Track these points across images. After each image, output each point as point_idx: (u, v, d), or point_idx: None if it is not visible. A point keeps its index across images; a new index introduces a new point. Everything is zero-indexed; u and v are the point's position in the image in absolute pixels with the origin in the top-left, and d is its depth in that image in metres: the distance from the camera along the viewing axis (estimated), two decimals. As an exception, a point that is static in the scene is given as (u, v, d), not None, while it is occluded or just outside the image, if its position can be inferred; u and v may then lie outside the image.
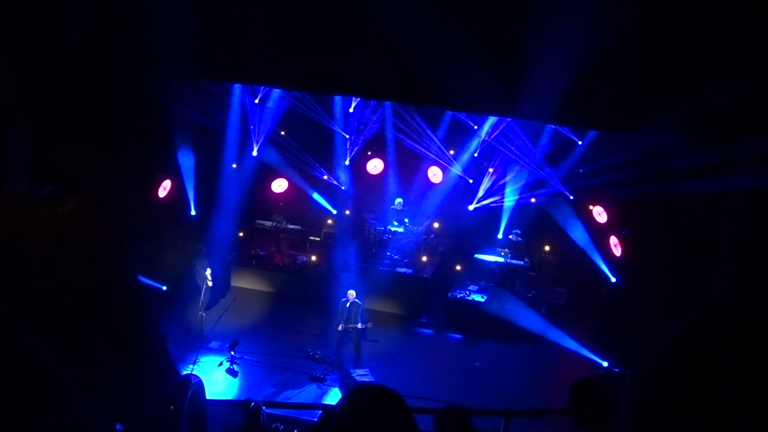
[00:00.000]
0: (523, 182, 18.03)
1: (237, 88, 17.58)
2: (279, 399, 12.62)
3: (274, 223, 18.48)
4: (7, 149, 1.69)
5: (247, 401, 6.59)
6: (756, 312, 1.01)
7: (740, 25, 8.94)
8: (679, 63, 9.41)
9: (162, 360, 1.79)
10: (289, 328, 15.52)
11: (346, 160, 19.60)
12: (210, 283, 15.35)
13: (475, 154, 18.77)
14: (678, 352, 1.02)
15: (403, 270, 17.47)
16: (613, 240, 16.15)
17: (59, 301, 1.47)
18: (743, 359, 0.96)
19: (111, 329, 1.56)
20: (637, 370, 1.08)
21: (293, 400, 12.60)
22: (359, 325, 14.23)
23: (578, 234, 16.87)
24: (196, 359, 13.71)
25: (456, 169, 18.99)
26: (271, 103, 18.38)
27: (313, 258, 18.23)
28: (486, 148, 18.56)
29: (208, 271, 15.37)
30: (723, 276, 10.45)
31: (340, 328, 14.21)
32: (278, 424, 6.81)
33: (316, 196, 19.00)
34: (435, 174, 19.24)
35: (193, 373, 10.80)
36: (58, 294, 1.48)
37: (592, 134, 16.32)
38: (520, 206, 18.08)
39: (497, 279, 17.25)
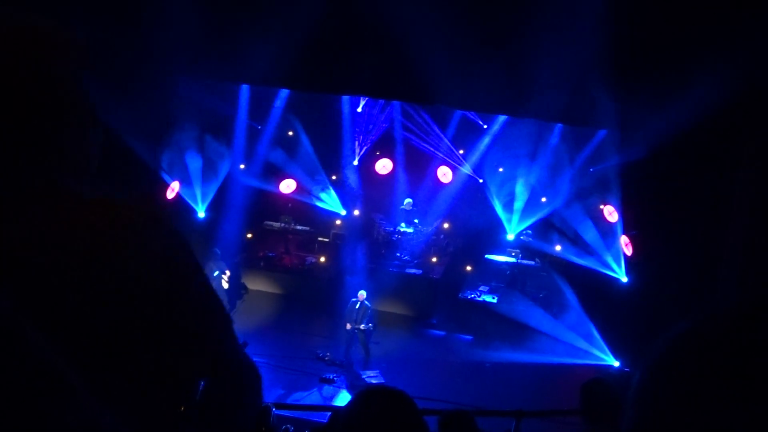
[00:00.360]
0: (533, 181, 17.97)
1: (244, 87, 17.62)
2: (288, 401, 12.64)
3: (283, 224, 18.51)
4: (75, 148, 1.71)
5: (257, 403, 6.60)
6: (764, 309, 1.02)
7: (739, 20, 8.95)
8: (685, 59, 9.39)
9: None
10: (297, 330, 15.54)
11: (354, 160, 19.60)
12: (225, 285, 15.39)
13: (485, 154, 18.72)
14: (684, 350, 1.03)
15: (412, 271, 17.47)
16: (624, 239, 16.09)
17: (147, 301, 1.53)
18: (751, 357, 0.97)
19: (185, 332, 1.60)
20: (644, 368, 1.09)
21: (303, 402, 12.62)
22: (362, 326, 14.20)
23: (589, 233, 16.82)
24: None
25: (466, 169, 18.96)
26: (278, 103, 18.40)
27: (322, 259, 18.25)
28: (496, 147, 18.51)
29: (227, 273, 15.42)
30: (729, 273, 10.43)
31: (348, 326, 14.22)
32: (288, 426, 6.83)
33: (323, 196, 19.00)
34: (445, 174, 19.21)
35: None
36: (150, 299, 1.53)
37: (601, 133, 16.26)
38: (530, 205, 18.02)
39: (508, 279, 17.24)
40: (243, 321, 15.59)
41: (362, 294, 14.47)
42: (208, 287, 1.67)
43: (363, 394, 2.44)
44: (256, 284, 17.73)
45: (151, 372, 1.54)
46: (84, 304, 1.45)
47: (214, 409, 1.68)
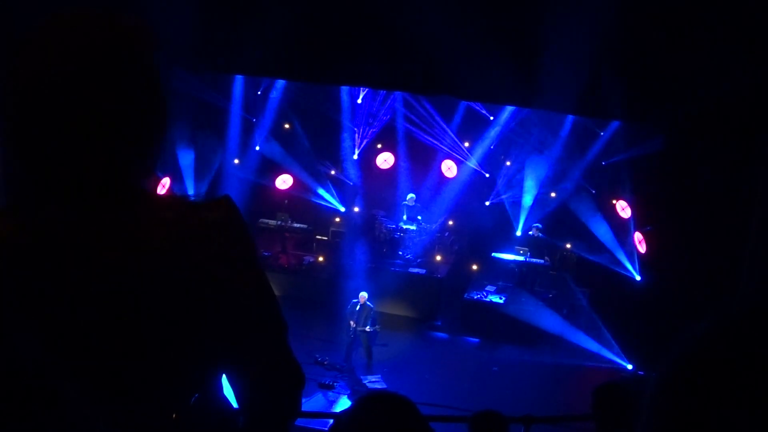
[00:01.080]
0: (542, 175, 17.97)
1: (239, 79, 17.62)
2: (286, 407, 12.65)
3: (279, 222, 18.49)
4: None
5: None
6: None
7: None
8: (704, 48, 9.37)
9: None
10: (295, 333, 15.21)
11: (354, 154, 19.60)
12: None
13: (492, 147, 18.73)
14: (709, 351, 1.03)
15: (415, 270, 17.46)
16: (638, 236, 16.10)
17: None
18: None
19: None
20: (661, 371, 1.09)
21: (301, 409, 12.62)
22: (367, 328, 14.22)
23: (601, 230, 16.82)
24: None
25: (471, 163, 18.95)
26: (274, 94, 18.41)
27: (321, 258, 18.25)
28: (503, 140, 18.51)
29: None
30: (751, 271, 10.41)
31: (352, 324, 14.23)
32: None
33: (322, 192, 19.00)
34: (449, 168, 19.19)
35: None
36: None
37: (614, 125, 16.26)
38: (539, 201, 18.02)
39: (516, 279, 17.22)
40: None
41: (363, 295, 14.46)
42: (268, 291, 1.83)
43: (363, 400, 2.43)
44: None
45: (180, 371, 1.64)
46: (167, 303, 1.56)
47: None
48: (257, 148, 18.71)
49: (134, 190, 1.56)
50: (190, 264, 1.56)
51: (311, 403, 13.04)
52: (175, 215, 1.58)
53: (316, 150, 19.21)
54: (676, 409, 1.02)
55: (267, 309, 1.85)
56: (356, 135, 19.47)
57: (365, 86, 17.98)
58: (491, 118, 18.45)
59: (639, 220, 16.19)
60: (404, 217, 18.33)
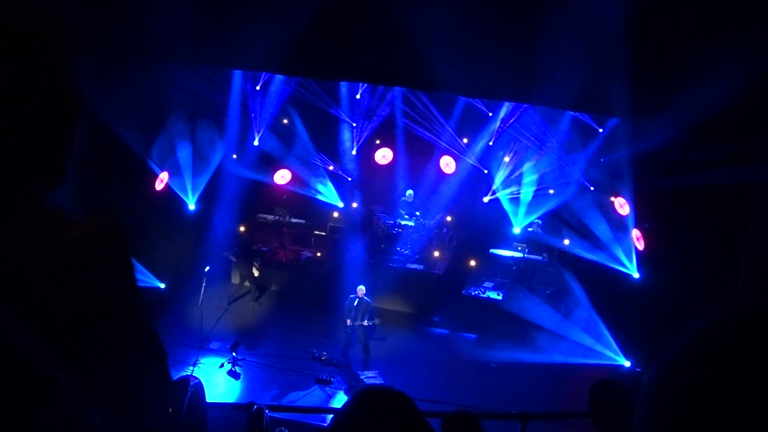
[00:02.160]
0: (540, 172, 17.97)
1: (237, 74, 17.60)
2: (283, 402, 12.67)
3: (277, 217, 18.48)
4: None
5: (250, 404, 6.63)
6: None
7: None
8: (705, 45, 9.37)
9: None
10: (293, 328, 15.56)
11: (353, 149, 19.59)
12: (256, 273, 15.72)
13: (491, 143, 18.71)
14: (703, 348, 1.03)
15: (414, 266, 17.47)
16: (636, 233, 16.11)
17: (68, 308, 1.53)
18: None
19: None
20: (657, 367, 1.09)
21: (298, 404, 12.64)
22: (365, 323, 14.21)
23: (599, 227, 16.82)
24: (196, 360, 13.77)
25: (470, 159, 18.94)
26: (273, 88, 18.38)
27: (319, 254, 18.25)
28: (502, 136, 18.50)
29: (258, 262, 15.81)
30: (748, 270, 10.42)
31: (348, 322, 14.23)
32: (282, 429, 6.85)
33: (321, 188, 18.98)
34: (447, 164, 19.17)
35: (193, 374, 10.84)
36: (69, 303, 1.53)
37: (613, 122, 16.26)
38: (537, 197, 18.00)
39: (514, 275, 17.23)
40: (235, 319, 15.62)
41: (361, 290, 14.45)
42: (140, 323, 1.67)
43: (360, 395, 2.43)
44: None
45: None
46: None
47: None
48: (255, 143, 18.69)
49: (19, 205, 1.52)
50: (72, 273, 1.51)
51: (309, 397, 13.07)
52: (62, 229, 1.54)
53: (315, 145, 19.20)
54: (669, 405, 1.02)
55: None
56: (355, 130, 19.45)
57: (364, 81, 17.96)
58: (490, 114, 18.44)
59: (637, 217, 16.19)
60: (403, 213, 18.31)
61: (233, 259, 16.54)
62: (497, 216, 18.27)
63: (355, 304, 14.32)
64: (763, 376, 0.94)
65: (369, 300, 14.51)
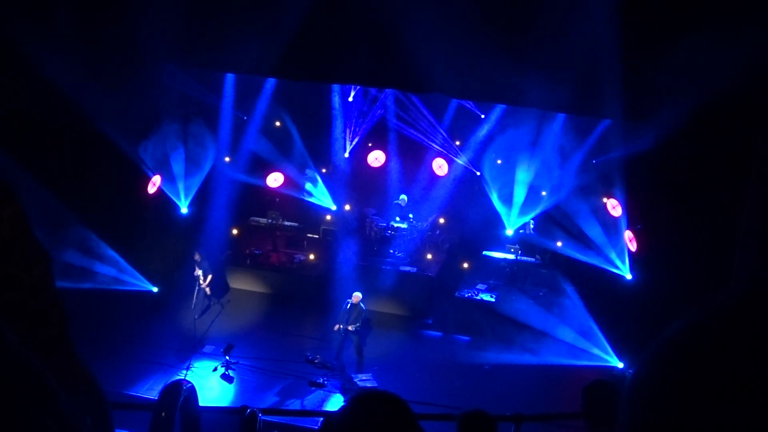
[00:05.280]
0: (533, 174, 17.97)
1: (230, 77, 17.58)
2: (276, 405, 12.65)
3: (270, 220, 18.47)
4: None
5: (243, 408, 6.62)
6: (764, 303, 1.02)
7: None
8: (694, 47, 9.42)
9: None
10: (286, 331, 15.54)
11: (345, 152, 19.58)
12: (208, 291, 15.46)
13: (483, 145, 18.69)
14: (684, 345, 1.03)
15: (407, 269, 17.47)
16: (628, 234, 16.14)
17: None
18: (758, 353, 0.97)
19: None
20: (637, 369, 1.09)
21: (291, 407, 12.63)
22: (350, 327, 14.16)
23: (592, 228, 16.85)
24: (189, 364, 13.75)
25: (462, 161, 18.96)
26: (265, 91, 18.37)
27: (312, 257, 18.23)
28: (495, 138, 18.49)
29: (209, 278, 15.44)
30: (741, 270, 10.48)
31: (335, 328, 14.21)
32: (276, 432, 6.85)
33: (313, 190, 18.96)
34: (440, 166, 19.20)
35: (186, 378, 10.83)
36: None
37: (605, 123, 16.29)
38: (530, 199, 18.02)
39: (507, 277, 17.25)
40: (228, 322, 15.60)
41: (357, 296, 14.40)
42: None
43: (355, 399, 2.44)
44: (241, 283, 17.71)
45: None
46: None
47: None
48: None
49: None
50: None
51: (302, 401, 13.05)
52: None
53: (307, 148, 19.19)
54: (650, 407, 1.03)
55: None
56: (347, 133, 19.45)
57: (356, 84, 17.97)
58: (482, 116, 18.46)
59: (630, 219, 16.23)
60: (396, 217, 18.32)
61: (197, 258, 15.89)
62: (490, 218, 18.27)
63: (348, 307, 14.29)
64: (741, 375, 0.95)
65: (364, 307, 14.47)
